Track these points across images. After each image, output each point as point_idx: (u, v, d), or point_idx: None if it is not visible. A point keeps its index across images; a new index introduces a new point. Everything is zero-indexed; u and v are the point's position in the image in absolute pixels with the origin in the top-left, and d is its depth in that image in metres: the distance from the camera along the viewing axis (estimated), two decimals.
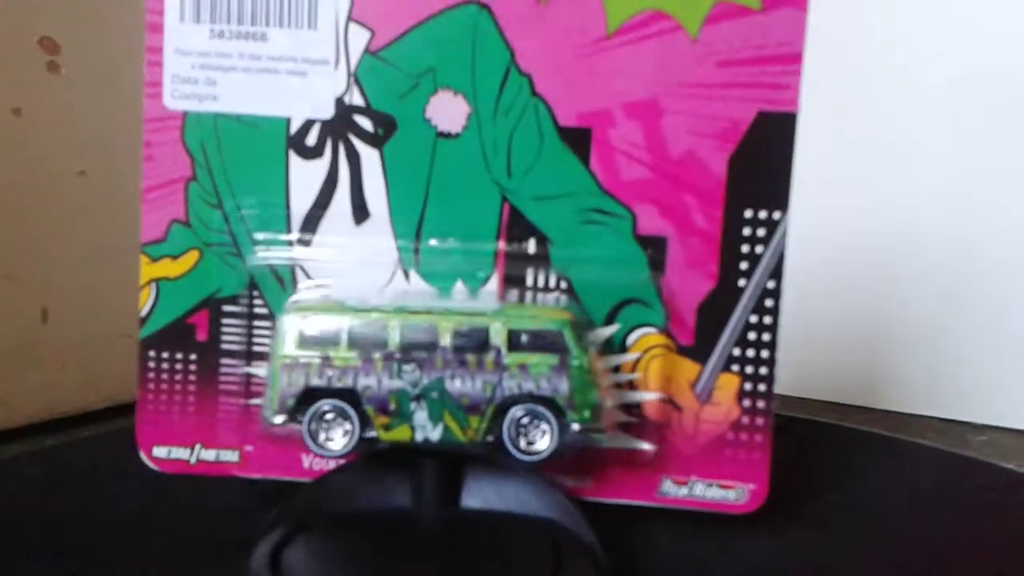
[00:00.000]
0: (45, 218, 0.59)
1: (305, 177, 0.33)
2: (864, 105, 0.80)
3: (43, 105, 0.57)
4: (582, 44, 0.32)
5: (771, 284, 0.32)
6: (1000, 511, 0.39)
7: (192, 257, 0.34)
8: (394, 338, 0.30)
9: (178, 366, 0.34)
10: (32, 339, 0.58)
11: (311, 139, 0.33)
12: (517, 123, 0.33)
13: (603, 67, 0.32)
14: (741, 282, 0.32)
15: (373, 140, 0.33)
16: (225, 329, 0.33)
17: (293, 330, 0.30)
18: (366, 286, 0.33)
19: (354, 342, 0.30)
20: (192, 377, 0.34)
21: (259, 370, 0.33)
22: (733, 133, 0.32)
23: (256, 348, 0.33)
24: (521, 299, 0.33)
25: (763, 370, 0.33)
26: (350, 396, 0.30)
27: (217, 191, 0.33)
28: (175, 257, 0.34)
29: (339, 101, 0.33)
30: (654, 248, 0.33)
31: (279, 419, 0.30)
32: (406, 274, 0.33)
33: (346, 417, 0.29)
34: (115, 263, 0.62)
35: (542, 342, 0.30)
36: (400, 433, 0.30)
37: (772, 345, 0.33)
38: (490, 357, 0.29)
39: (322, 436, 0.30)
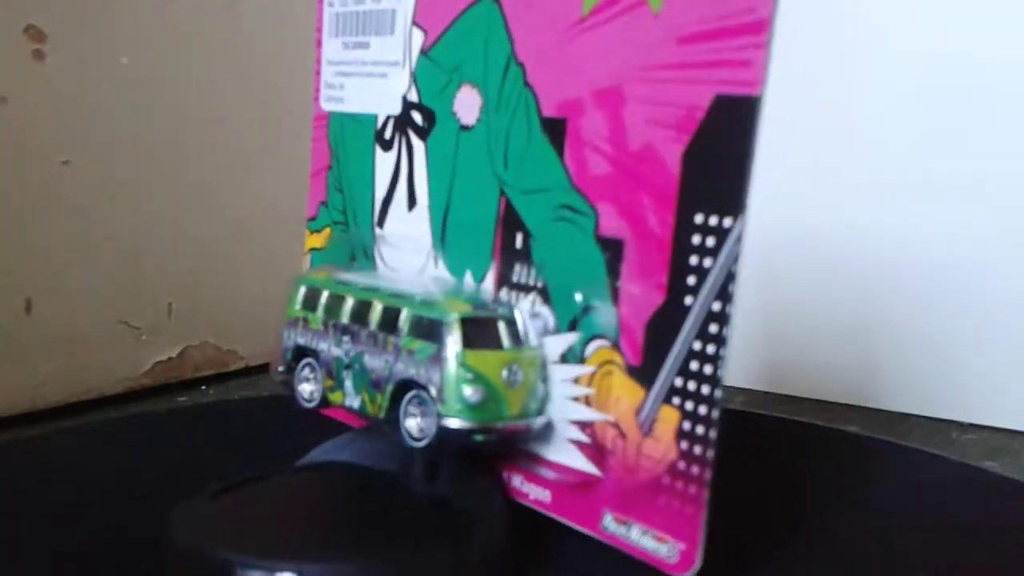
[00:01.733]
0: (28, 207, 0.57)
1: (383, 167, 0.37)
2: (851, 98, 0.75)
3: (27, 94, 0.55)
4: (562, 28, 0.30)
5: (716, 306, 0.26)
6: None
7: (327, 232, 0.40)
8: (345, 311, 0.32)
9: None
10: (15, 330, 0.57)
11: (387, 133, 0.37)
12: (513, 114, 0.32)
13: (578, 52, 0.30)
14: (688, 300, 0.27)
15: (421, 133, 0.35)
16: None
17: (298, 294, 0.35)
18: (409, 270, 0.36)
19: (326, 311, 0.33)
20: None
21: None
22: (689, 122, 0.27)
23: None
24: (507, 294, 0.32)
25: (703, 409, 0.27)
26: (316, 356, 0.33)
27: (340, 178, 0.39)
28: (319, 232, 0.41)
29: (404, 98, 0.36)
30: (612, 252, 0.29)
31: (281, 368, 0.35)
32: (436, 261, 0.35)
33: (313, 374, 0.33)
34: (100, 253, 0.61)
35: (434, 331, 0.29)
36: (337, 397, 0.32)
37: (714, 380, 0.27)
38: (392, 339, 0.30)
39: (306, 388, 0.34)
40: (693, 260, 0.27)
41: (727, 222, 0.26)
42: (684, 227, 0.27)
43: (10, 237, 0.56)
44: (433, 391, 0.29)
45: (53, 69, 0.57)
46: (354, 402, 0.32)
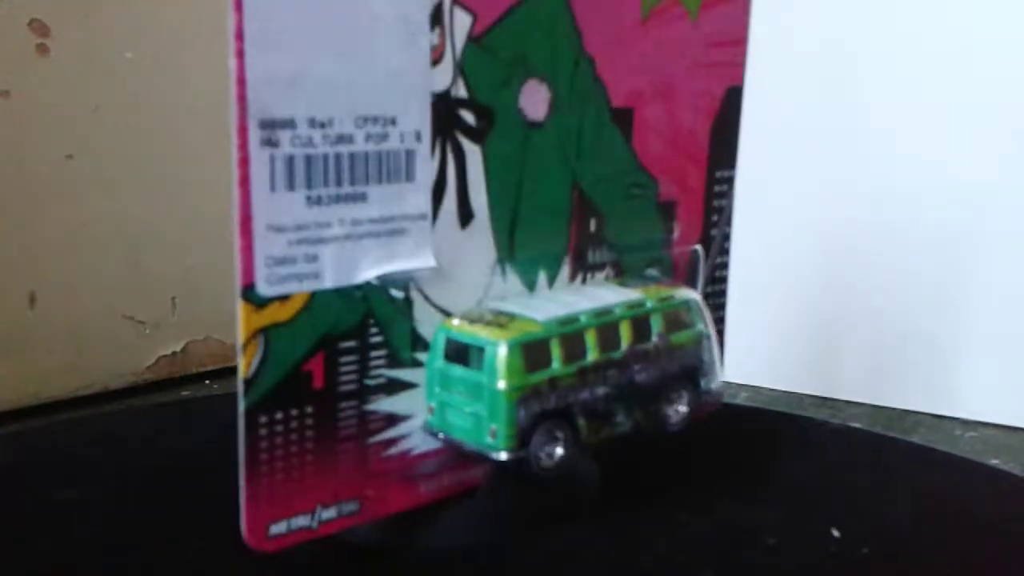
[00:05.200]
0: (32, 201, 0.57)
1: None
2: (856, 101, 0.81)
3: (32, 88, 0.56)
4: (627, 27, 0.33)
5: (727, 231, 0.39)
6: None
7: None
8: (591, 347, 0.29)
9: None
10: (20, 324, 0.57)
11: None
12: (584, 106, 0.33)
13: (640, 50, 0.34)
14: (713, 231, 0.39)
15: (476, 135, 0.30)
16: None
17: (515, 358, 0.28)
18: (466, 290, 0.31)
19: (568, 358, 0.29)
20: None
21: None
22: (713, 105, 0.37)
23: None
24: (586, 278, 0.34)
25: None
26: (566, 412, 0.29)
27: None
28: None
29: (445, 95, 0.29)
30: (668, 212, 0.37)
31: (509, 455, 0.28)
32: (503, 276, 0.32)
33: (563, 434, 0.29)
34: (104, 248, 0.62)
35: (690, 315, 0.32)
36: (605, 434, 0.30)
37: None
38: (654, 343, 0.31)
39: (556, 451, 0.29)
40: (716, 203, 0.38)
41: (730, 172, 0.39)
42: (711, 181, 0.38)
43: (14, 232, 0.58)
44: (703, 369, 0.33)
45: (57, 63, 0.60)
46: (625, 428, 0.30)
